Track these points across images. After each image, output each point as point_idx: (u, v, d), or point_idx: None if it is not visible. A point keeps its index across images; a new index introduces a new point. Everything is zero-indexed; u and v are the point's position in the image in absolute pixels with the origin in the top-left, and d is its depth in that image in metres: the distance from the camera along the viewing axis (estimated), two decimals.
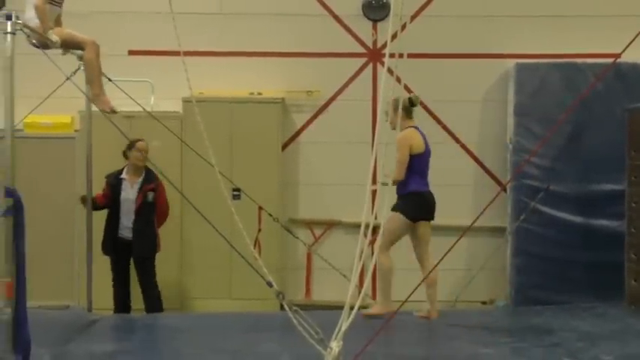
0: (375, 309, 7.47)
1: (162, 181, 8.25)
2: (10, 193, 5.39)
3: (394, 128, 7.30)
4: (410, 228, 7.52)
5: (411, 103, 7.64)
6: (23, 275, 5.52)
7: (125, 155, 8.43)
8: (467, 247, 9.41)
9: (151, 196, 8.38)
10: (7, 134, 5.40)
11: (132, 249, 8.36)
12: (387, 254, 7.42)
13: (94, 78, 6.73)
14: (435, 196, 7.61)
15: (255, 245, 8.32)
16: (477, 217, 5.93)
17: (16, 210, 5.42)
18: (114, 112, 6.90)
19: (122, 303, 8.51)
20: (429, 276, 6.94)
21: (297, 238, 8.90)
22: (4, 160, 5.42)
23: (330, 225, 9.88)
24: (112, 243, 8.32)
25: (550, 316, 7.80)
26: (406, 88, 9.16)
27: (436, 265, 6.79)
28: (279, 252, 9.47)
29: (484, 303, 9.73)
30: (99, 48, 6.69)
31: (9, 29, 5.35)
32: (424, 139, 7.60)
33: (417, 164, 7.50)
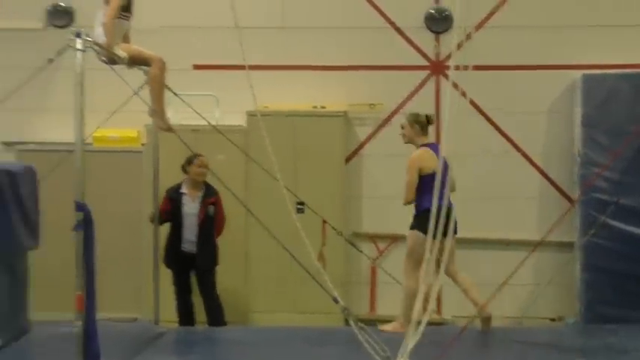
0: (393, 326, 7.33)
1: (225, 195, 8.28)
2: (81, 207, 5.46)
3: (407, 142, 7.54)
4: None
5: (428, 121, 7.72)
6: (93, 288, 5.61)
7: (184, 170, 8.52)
8: (533, 262, 9.18)
9: (212, 209, 8.51)
10: (77, 149, 5.47)
11: (195, 262, 8.44)
12: (413, 276, 7.21)
13: (157, 95, 6.81)
14: (455, 211, 7.18)
15: (319, 259, 8.30)
16: (547, 233, 5.82)
17: (86, 224, 5.50)
18: (170, 130, 6.98)
19: (186, 315, 8.58)
20: (465, 281, 6.82)
21: (361, 252, 8.87)
22: (75, 174, 5.49)
23: (394, 239, 9.78)
24: (175, 256, 8.41)
25: (623, 336, 7.49)
26: (471, 101, 9.13)
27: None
28: (343, 266, 9.44)
29: (552, 320, 9.53)
30: (165, 65, 6.77)
31: (79, 46, 5.45)
32: (437, 155, 7.48)
33: (429, 183, 7.36)
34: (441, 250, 7.02)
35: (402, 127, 7.65)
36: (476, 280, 7.65)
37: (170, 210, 8.38)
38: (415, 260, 7.26)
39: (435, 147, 7.55)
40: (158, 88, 6.78)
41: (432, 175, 7.29)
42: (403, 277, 7.43)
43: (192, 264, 8.48)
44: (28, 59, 8.89)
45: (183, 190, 8.51)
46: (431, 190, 7.22)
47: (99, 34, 6.44)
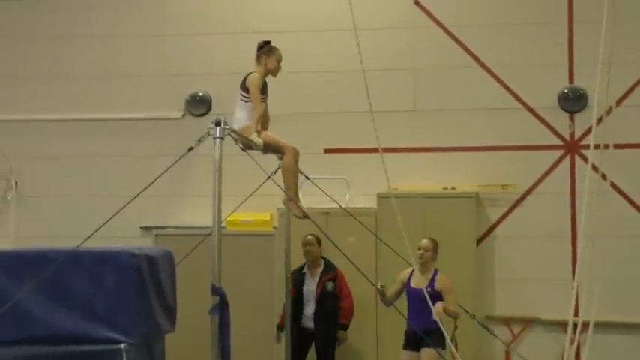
0: None
1: (356, 277, 8.30)
2: (217, 290, 5.54)
3: (424, 262, 7.71)
4: None
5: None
6: None
7: None
8: None
9: (330, 285, 8.65)
10: (214, 233, 5.57)
11: (314, 337, 8.57)
12: None
13: (290, 183, 6.92)
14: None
15: (452, 342, 8.14)
16: None
17: (222, 308, 5.57)
18: (305, 217, 7.06)
19: None
20: None
21: (495, 335, 8.63)
22: (212, 258, 5.57)
23: (528, 322, 9.52)
24: (295, 333, 8.45)
25: None
26: (612, 183, 8.87)
27: None
28: (476, 350, 9.19)
29: None
30: (298, 154, 6.90)
31: (218, 134, 5.63)
32: None
33: None
34: None
35: (427, 250, 7.67)
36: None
37: (295, 292, 8.54)
38: None
39: None
40: (292, 177, 6.90)
41: None
42: None
43: (311, 340, 8.62)
44: (167, 147, 9.37)
45: (305, 270, 8.77)
46: None
47: (238, 119, 6.66)
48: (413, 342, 7.86)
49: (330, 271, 8.72)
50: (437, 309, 7.45)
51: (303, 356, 8.68)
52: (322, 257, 8.79)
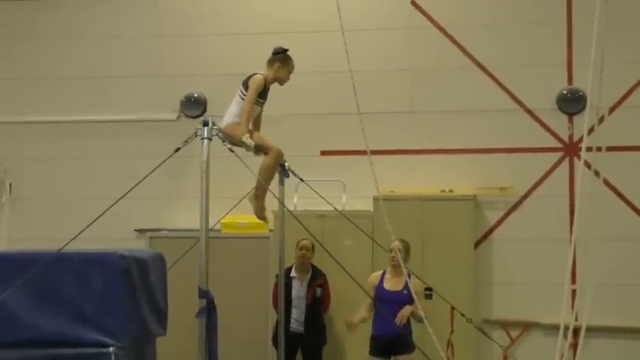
0: None
1: (348, 281, 8.31)
2: (204, 294, 5.53)
3: (395, 265, 7.72)
4: None
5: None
6: None
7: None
8: None
9: (319, 291, 8.81)
10: (201, 236, 5.56)
11: (302, 341, 8.71)
12: None
13: (264, 181, 6.88)
14: None
15: (447, 347, 8.12)
16: None
17: (209, 311, 5.55)
18: (264, 219, 7.07)
19: None
20: None
21: (492, 340, 8.58)
22: (199, 261, 5.57)
23: (526, 326, 9.51)
24: (284, 334, 8.40)
25: None
26: (605, 182, 8.85)
27: None
28: (473, 355, 9.17)
29: None
30: (282, 156, 6.88)
31: (205, 135, 5.60)
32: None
33: None
34: None
35: (400, 252, 7.45)
36: None
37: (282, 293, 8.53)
38: None
39: None
40: (267, 176, 6.83)
41: None
42: None
43: (299, 343, 8.72)
44: (162, 149, 9.25)
45: (293, 273, 8.84)
46: None
47: (229, 113, 6.63)
48: (382, 348, 7.90)
49: (319, 276, 8.87)
50: (403, 313, 7.57)
51: (293, 357, 8.75)
52: (310, 263, 8.91)
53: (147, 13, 10.55)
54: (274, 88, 7.08)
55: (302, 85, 9.92)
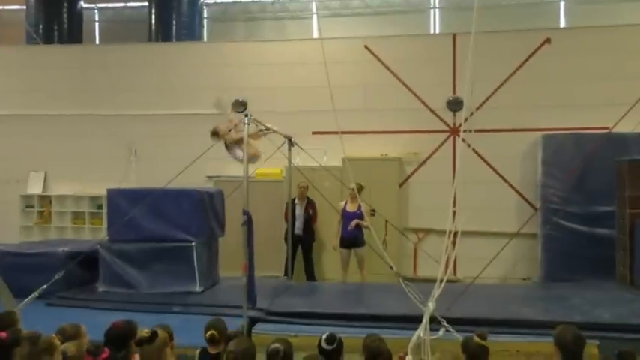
0: None
1: (319, 205, 8.44)
2: (246, 212, 5.51)
3: (353, 198, 7.64)
4: None
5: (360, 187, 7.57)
6: (252, 259, 5.62)
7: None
8: (512, 244, 8.64)
9: (310, 211, 8.83)
10: (244, 180, 5.57)
11: (301, 239, 8.71)
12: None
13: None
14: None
15: (383, 242, 8.11)
16: (521, 227, 5.46)
17: (249, 222, 5.54)
18: (216, 135, 6.32)
19: (308, 275, 8.77)
20: None
21: (408, 238, 8.60)
22: (243, 193, 5.54)
23: (427, 231, 9.46)
24: (291, 236, 8.37)
25: (567, 288, 7.13)
26: (474, 150, 8.75)
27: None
28: (398, 247, 9.15)
29: (524, 279, 9.00)
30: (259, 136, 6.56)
31: (246, 122, 5.57)
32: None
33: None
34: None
35: (356, 189, 7.05)
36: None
37: (290, 212, 8.48)
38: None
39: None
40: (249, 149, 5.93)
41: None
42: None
43: (299, 241, 8.74)
44: None
45: (296, 201, 8.79)
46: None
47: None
48: (347, 243, 7.94)
49: (311, 203, 8.87)
50: (353, 223, 7.68)
51: (296, 250, 8.67)
52: (306, 195, 8.83)
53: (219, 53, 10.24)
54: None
55: (303, 94, 9.83)
